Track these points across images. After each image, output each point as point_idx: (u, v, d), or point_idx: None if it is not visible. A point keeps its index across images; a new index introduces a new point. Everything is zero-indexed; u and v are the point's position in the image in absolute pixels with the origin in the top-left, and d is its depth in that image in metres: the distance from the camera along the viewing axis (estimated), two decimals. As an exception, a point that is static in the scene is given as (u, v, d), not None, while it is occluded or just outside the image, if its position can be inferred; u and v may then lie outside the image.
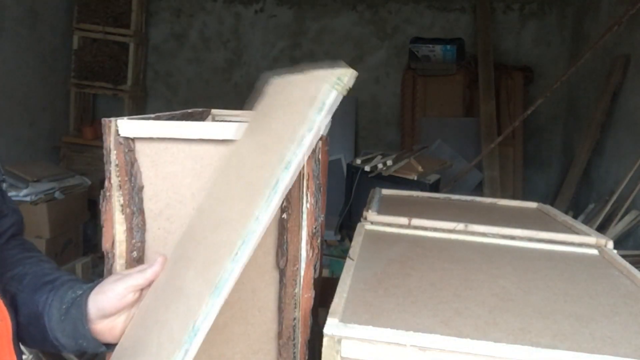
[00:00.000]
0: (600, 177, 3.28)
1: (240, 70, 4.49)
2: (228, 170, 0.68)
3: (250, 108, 0.70)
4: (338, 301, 0.76)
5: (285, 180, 0.53)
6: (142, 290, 0.70)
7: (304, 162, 0.55)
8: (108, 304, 0.67)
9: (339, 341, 0.68)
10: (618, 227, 2.65)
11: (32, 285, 0.71)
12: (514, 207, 1.48)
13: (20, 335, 0.70)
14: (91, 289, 0.70)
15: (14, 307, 0.69)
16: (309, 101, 0.55)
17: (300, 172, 0.82)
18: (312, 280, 0.86)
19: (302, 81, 0.62)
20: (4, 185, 0.78)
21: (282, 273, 0.85)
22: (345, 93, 0.54)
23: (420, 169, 2.88)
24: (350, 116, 4.21)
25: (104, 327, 0.69)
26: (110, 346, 0.71)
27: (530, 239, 1.13)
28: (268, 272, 0.86)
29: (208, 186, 0.74)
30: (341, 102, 0.54)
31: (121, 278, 0.69)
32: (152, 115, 0.89)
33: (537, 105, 3.28)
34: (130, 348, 0.66)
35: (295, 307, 0.86)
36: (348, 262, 0.93)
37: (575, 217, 2.89)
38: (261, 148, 0.61)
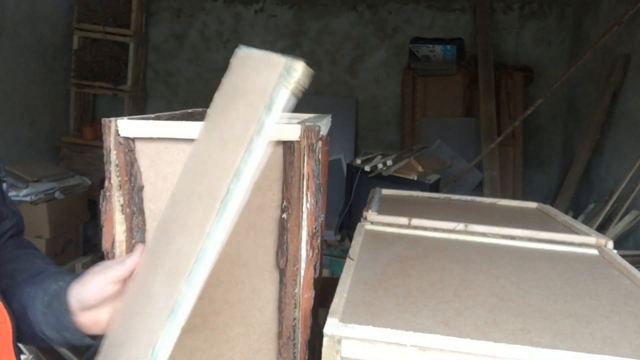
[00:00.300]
0: (600, 177, 3.27)
1: (240, 70, 4.48)
2: (195, 159, 0.63)
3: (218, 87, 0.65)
4: (338, 301, 0.76)
5: (235, 191, 0.50)
6: (124, 281, 0.68)
7: (256, 168, 0.50)
8: (88, 296, 0.66)
9: (339, 341, 0.68)
10: (618, 227, 2.65)
11: (21, 280, 0.71)
12: (514, 207, 1.48)
13: None
14: (73, 280, 0.69)
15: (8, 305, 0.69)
16: (259, 96, 0.51)
17: (300, 172, 0.82)
18: (312, 280, 0.86)
19: (257, 65, 0.57)
20: (5, 186, 0.78)
21: (282, 273, 0.85)
22: (298, 91, 0.50)
23: (420, 169, 2.88)
24: (350, 116, 4.21)
25: (89, 320, 0.68)
26: (97, 338, 0.70)
27: (530, 239, 1.13)
28: (268, 272, 0.86)
29: (181, 170, 0.67)
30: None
31: (101, 270, 0.67)
32: (152, 115, 0.89)
33: (537, 105, 3.28)
34: (112, 348, 0.65)
35: (295, 307, 0.86)
36: (348, 262, 0.93)
37: (575, 217, 2.89)
38: (218, 143, 0.57)
